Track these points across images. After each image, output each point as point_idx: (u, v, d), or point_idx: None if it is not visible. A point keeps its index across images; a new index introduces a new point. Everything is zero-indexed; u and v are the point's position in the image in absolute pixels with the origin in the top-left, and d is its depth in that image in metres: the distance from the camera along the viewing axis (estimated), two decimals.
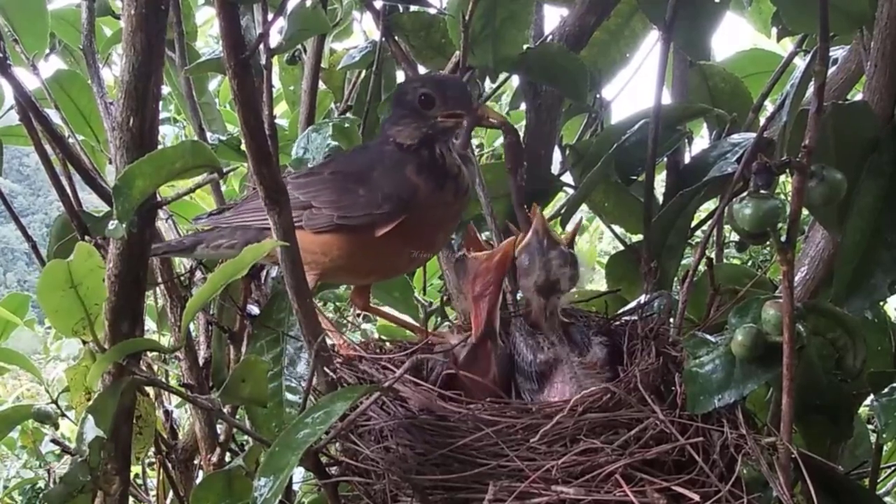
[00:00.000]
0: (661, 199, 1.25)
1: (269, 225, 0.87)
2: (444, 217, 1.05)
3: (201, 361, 1.37)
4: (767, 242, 0.80)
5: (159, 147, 0.95)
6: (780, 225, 0.78)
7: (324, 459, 0.91)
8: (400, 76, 1.45)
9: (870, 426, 1.30)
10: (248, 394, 0.91)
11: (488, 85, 1.41)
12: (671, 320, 1.03)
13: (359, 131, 1.34)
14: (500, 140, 2.01)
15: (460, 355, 0.99)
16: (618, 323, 1.08)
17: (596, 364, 0.96)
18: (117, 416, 0.88)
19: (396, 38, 1.37)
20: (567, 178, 1.41)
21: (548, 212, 1.57)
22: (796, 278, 1.06)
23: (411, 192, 1.01)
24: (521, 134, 1.45)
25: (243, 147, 0.88)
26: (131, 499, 1.44)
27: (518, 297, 1.13)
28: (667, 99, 1.31)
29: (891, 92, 0.95)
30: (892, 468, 1.56)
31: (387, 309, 1.36)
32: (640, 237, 1.26)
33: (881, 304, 1.08)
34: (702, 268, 1.07)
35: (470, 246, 1.04)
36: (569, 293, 1.05)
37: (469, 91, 1.11)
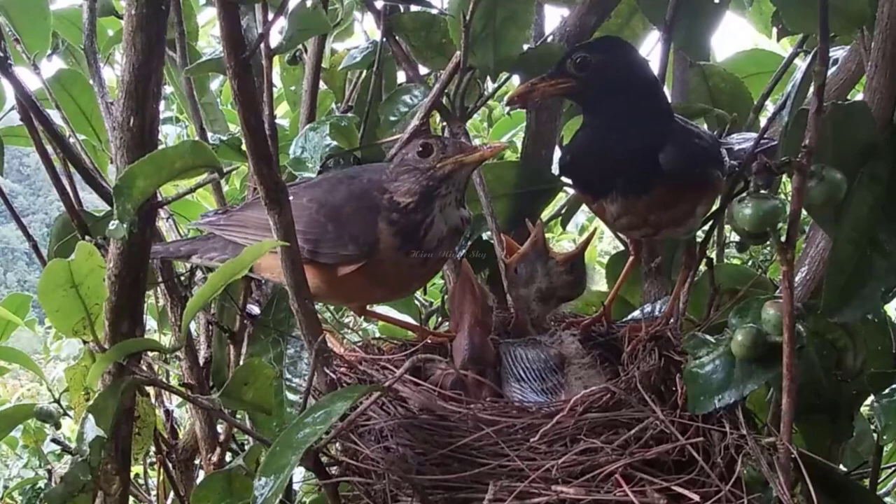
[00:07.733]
0: None
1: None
2: (410, 275, 1.02)
3: (202, 361, 1.37)
4: (768, 242, 0.80)
5: (160, 147, 0.95)
6: (780, 225, 0.78)
7: (324, 459, 0.91)
8: (401, 76, 1.45)
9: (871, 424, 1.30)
10: (252, 398, 0.91)
11: (489, 85, 1.41)
12: (672, 321, 1.03)
13: (357, 131, 1.34)
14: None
15: (462, 344, 1.01)
16: (618, 324, 1.08)
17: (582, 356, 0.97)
18: (117, 416, 0.88)
19: (397, 38, 1.37)
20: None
21: (548, 212, 1.57)
22: (797, 278, 1.06)
23: (374, 242, 0.98)
24: (522, 134, 1.45)
25: (244, 147, 0.88)
26: (132, 499, 1.44)
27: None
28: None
29: (891, 92, 0.94)
30: (893, 468, 1.56)
31: (384, 310, 1.36)
32: None
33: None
34: (702, 268, 1.07)
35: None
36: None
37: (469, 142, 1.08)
